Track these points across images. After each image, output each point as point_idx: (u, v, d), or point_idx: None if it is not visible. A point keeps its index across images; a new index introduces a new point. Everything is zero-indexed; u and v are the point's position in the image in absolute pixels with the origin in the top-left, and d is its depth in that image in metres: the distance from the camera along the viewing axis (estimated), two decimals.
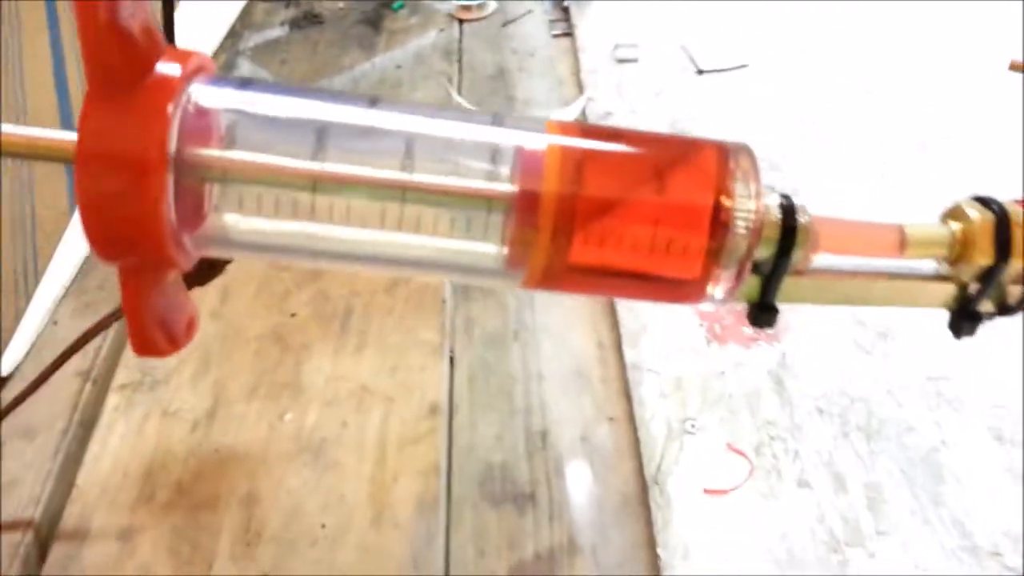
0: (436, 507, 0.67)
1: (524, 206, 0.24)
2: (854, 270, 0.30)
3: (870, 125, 1.03)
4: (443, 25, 1.33)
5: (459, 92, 1.17)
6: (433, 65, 1.23)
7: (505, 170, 0.24)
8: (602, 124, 1.06)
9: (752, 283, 0.28)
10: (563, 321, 0.83)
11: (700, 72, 1.14)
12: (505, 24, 1.32)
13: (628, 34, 1.23)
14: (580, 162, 0.25)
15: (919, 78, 1.10)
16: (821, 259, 0.30)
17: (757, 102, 1.08)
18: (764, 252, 0.27)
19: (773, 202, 0.28)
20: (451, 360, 0.80)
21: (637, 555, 0.64)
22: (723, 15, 1.25)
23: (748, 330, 0.79)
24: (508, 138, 0.25)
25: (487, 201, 0.24)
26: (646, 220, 0.25)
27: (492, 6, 1.35)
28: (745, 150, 0.26)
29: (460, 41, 1.30)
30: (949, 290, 0.29)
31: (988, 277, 0.28)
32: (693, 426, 0.71)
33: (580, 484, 0.69)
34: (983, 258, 0.28)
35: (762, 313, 0.28)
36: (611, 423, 0.73)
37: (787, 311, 0.83)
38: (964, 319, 0.30)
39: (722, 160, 0.26)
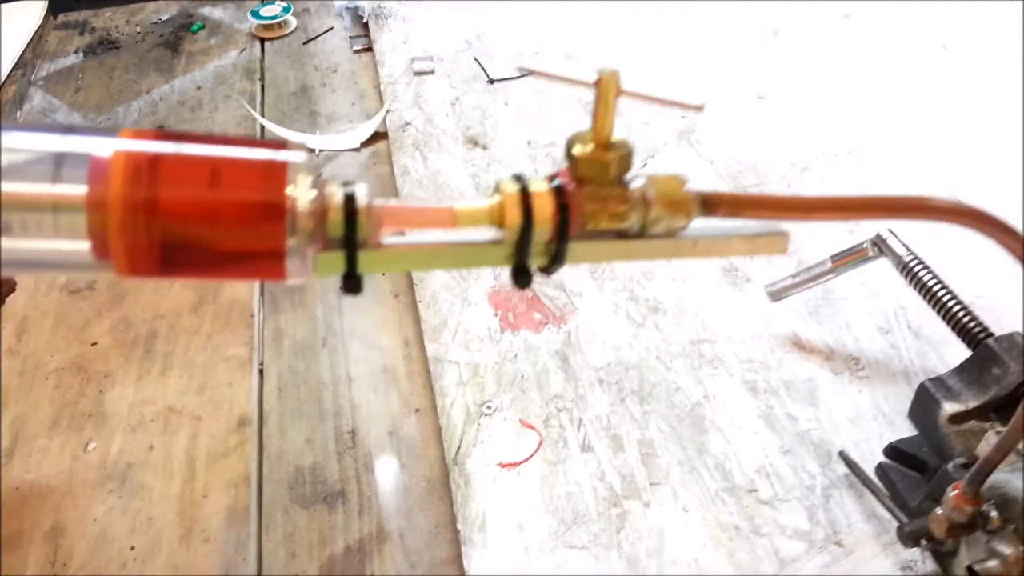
0: (246, 516, 0.69)
1: (94, 206, 0.28)
2: (423, 242, 0.36)
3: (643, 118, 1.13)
4: (244, 45, 1.34)
5: (262, 110, 1.19)
6: (234, 85, 1.24)
7: (78, 175, 0.29)
8: (399, 132, 1.11)
9: (338, 257, 0.34)
10: (371, 324, 0.87)
11: (491, 81, 1.21)
12: (306, 42, 1.34)
13: (424, 47, 1.29)
14: (146, 163, 0.29)
15: (680, 66, 1.22)
16: (410, 236, 0.36)
17: (544, 106, 1.16)
18: (336, 232, 0.33)
19: (336, 191, 0.33)
20: (260, 372, 0.82)
21: (442, 533, 0.69)
22: (512, 26, 1.33)
23: (538, 316, 0.86)
24: (82, 146, 0.29)
25: (69, 204, 0.28)
26: (214, 212, 0.29)
27: (293, 24, 1.37)
28: (302, 151, 0.32)
29: (262, 60, 1.31)
30: (505, 251, 0.36)
31: (523, 239, 0.35)
32: (489, 408, 0.76)
33: (388, 475, 0.73)
34: (514, 223, 0.35)
35: (348, 280, 0.35)
36: (417, 414, 0.78)
37: (574, 295, 0.91)
38: (520, 273, 0.37)
39: (282, 159, 0.32)
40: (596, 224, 0.37)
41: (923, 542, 0.60)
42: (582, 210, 0.37)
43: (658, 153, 1.08)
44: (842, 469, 0.71)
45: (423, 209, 0.36)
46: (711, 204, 0.38)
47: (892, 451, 0.70)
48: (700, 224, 0.39)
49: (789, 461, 0.73)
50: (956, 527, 0.52)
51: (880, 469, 0.70)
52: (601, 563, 0.65)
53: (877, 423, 0.75)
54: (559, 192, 0.36)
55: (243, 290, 0.89)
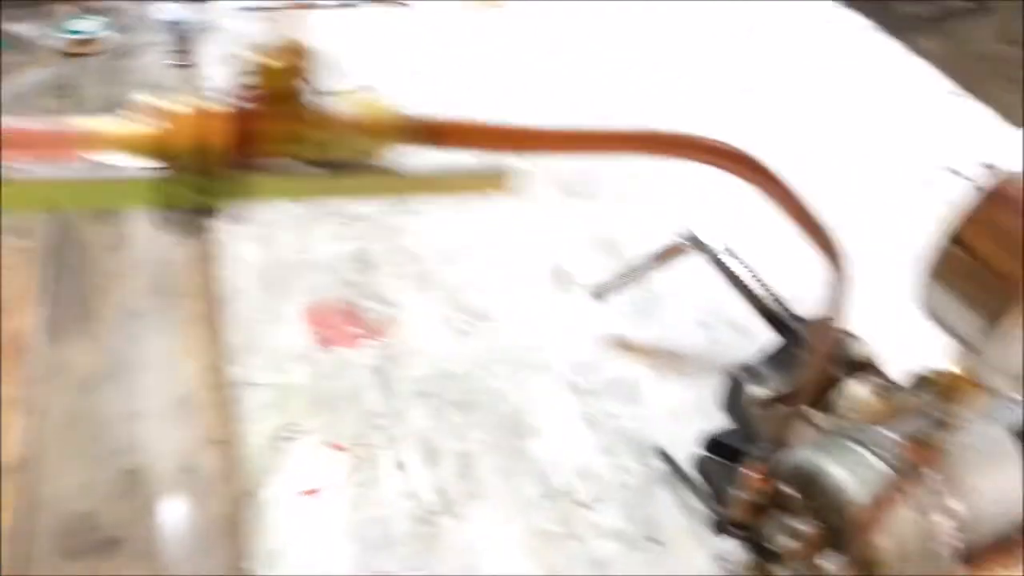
0: None
1: None
2: (52, 176, 0.31)
3: None
4: (52, 62, 1.24)
5: None
6: (37, 103, 1.14)
7: None
8: None
9: None
10: (170, 350, 0.80)
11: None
12: (120, 58, 1.26)
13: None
14: None
15: None
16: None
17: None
18: None
19: None
20: (33, 410, 0.74)
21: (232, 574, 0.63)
22: (342, 36, 1.29)
23: (356, 330, 0.81)
24: None
25: None
26: None
27: (108, 40, 1.28)
28: None
29: (72, 77, 1.22)
30: (166, 186, 0.31)
31: (191, 169, 0.30)
32: (296, 432, 0.71)
33: (176, 516, 0.66)
34: (179, 150, 0.30)
35: None
36: (216, 446, 0.72)
37: (395, 307, 0.87)
38: (188, 215, 0.32)
39: None
40: (285, 150, 0.32)
41: (735, 530, 0.59)
42: (267, 133, 0.31)
43: None
44: (660, 466, 0.70)
45: (44, 132, 0.30)
46: (436, 133, 0.34)
47: (710, 443, 0.69)
48: (423, 161, 0.35)
49: (608, 460, 0.70)
50: (754, 508, 0.50)
51: (698, 462, 0.68)
52: None
53: (698, 416, 0.74)
54: (238, 114, 0.31)
55: (24, 322, 0.81)
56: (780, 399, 0.64)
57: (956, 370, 0.33)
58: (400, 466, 0.69)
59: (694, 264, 0.88)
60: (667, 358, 0.80)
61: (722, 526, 0.60)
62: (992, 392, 0.33)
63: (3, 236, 0.87)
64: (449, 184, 0.35)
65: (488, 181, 0.35)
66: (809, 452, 0.50)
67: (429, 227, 0.95)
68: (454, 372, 0.77)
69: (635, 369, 0.79)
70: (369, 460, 0.69)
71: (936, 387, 0.34)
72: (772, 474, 0.50)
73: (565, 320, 0.83)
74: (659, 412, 0.75)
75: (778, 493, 0.50)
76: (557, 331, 0.82)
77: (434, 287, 0.87)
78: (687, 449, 0.70)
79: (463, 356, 0.79)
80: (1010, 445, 0.49)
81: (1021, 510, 0.49)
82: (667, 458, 0.69)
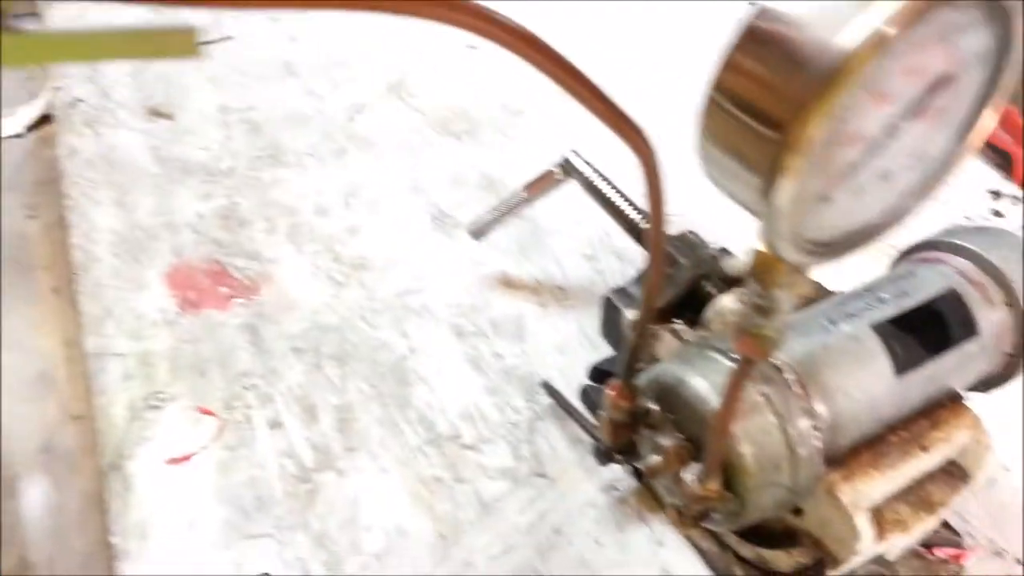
0: None
1: None
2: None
3: None
4: None
5: None
6: None
7: None
8: (67, 110, 0.97)
9: None
10: (24, 325, 0.74)
11: None
12: None
13: (103, 15, 1.14)
14: None
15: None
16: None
17: (242, 69, 1.06)
18: None
19: None
20: None
21: (100, 552, 0.59)
22: None
23: (226, 289, 0.77)
24: None
25: None
26: None
27: None
28: None
29: None
30: None
31: None
32: (160, 400, 0.67)
33: (35, 498, 0.62)
34: None
35: None
36: (77, 422, 0.67)
37: (268, 263, 0.83)
38: None
39: None
40: None
41: (617, 457, 0.58)
42: None
43: (366, 107, 1.01)
44: (549, 400, 0.68)
45: None
46: None
47: (594, 372, 0.68)
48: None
49: (495, 400, 0.69)
50: (619, 427, 0.49)
51: (583, 392, 0.67)
52: (286, 548, 0.58)
53: (583, 349, 0.73)
54: None
55: None
56: (651, 318, 0.63)
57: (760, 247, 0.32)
58: (275, 425, 0.66)
59: (577, 197, 0.87)
60: (552, 293, 0.78)
61: (603, 454, 0.59)
62: (792, 266, 0.31)
63: None
64: (126, 45, 0.29)
65: (172, 41, 0.29)
66: (668, 364, 0.49)
67: (303, 179, 0.90)
68: (330, 324, 0.74)
69: (520, 307, 0.77)
70: (241, 422, 0.66)
71: (752, 270, 0.33)
72: (623, 388, 0.48)
73: (446, 263, 0.81)
74: (545, 348, 0.73)
75: (642, 410, 0.49)
76: (438, 275, 0.80)
77: (309, 240, 0.83)
78: (575, 381, 0.69)
79: (339, 307, 0.76)
80: (874, 342, 0.49)
81: (888, 409, 0.49)
82: (551, 391, 0.67)
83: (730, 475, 0.44)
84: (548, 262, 0.82)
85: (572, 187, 0.86)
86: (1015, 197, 0.92)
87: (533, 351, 0.73)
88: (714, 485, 0.44)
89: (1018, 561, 0.58)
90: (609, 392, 0.49)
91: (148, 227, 0.83)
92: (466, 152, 0.95)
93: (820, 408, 0.46)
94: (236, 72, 1.06)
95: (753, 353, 0.35)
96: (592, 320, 0.75)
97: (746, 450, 0.44)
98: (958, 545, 0.58)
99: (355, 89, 1.04)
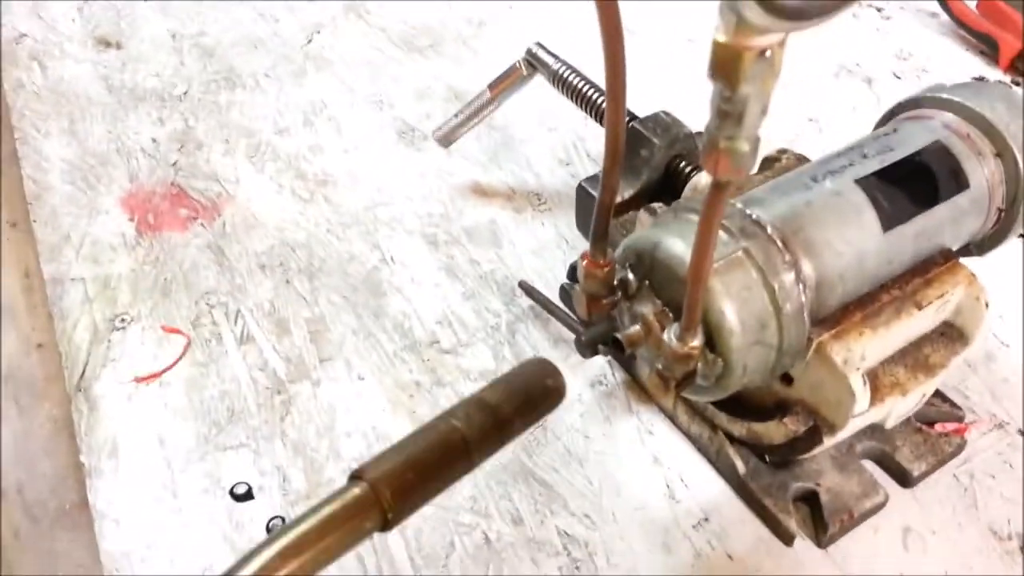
0: None
1: None
2: None
3: None
4: None
5: None
6: None
7: None
8: (13, 46, 0.92)
9: None
10: None
11: None
12: None
13: None
14: None
15: None
16: None
17: None
18: None
19: None
20: None
21: (72, 474, 0.56)
22: None
23: (185, 211, 0.74)
24: None
25: None
26: None
27: None
28: None
29: None
30: None
31: None
32: (123, 321, 0.64)
33: (5, 426, 0.59)
34: None
35: None
36: (39, 350, 0.64)
37: (228, 183, 0.80)
38: None
39: None
40: None
41: (601, 348, 0.56)
42: None
43: (324, 28, 0.97)
44: (527, 302, 0.66)
45: None
46: None
47: (572, 271, 0.66)
48: None
49: (472, 305, 0.66)
50: (594, 300, 0.47)
51: (562, 291, 0.65)
52: (262, 458, 0.56)
53: (561, 250, 0.71)
54: None
55: None
56: (632, 204, 0.61)
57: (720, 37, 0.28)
58: (245, 340, 0.63)
59: (549, 105, 0.84)
60: (527, 199, 0.76)
61: (586, 345, 0.57)
62: (759, 53, 0.28)
63: None
64: None
65: None
66: (643, 231, 0.47)
67: (260, 100, 0.86)
68: (298, 240, 0.71)
69: (494, 214, 0.74)
70: (209, 339, 0.63)
71: (715, 68, 0.29)
72: (597, 255, 0.46)
73: (415, 175, 0.78)
74: (522, 252, 0.71)
75: (619, 281, 0.47)
76: (407, 187, 0.77)
77: (270, 159, 0.79)
78: (553, 282, 0.67)
79: (305, 223, 0.73)
80: (858, 196, 0.47)
81: (877, 265, 0.47)
82: (528, 290, 0.65)
83: (714, 335, 0.43)
84: (521, 169, 0.79)
85: (542, 93, 0.83)
86: (1002, 83, 0.89)
87: (509, 256, 0.70)
88: (695, 341, 0.42)
89: (1020, 432, 0.56)
90: (582, 262, 0.47)
91: (101, 154, 0.79)
92: (430, 67, 0.91)
93: (804, 264, 0.44)
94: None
95: (724, 172, 0.32)
96: (569, 223, 0.72)
97: (727, 306, 0.42)
98: (959, 419, 0.56)
99: (311, 10, 1.00)
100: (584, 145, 0.81)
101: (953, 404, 0.57)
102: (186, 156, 0.79)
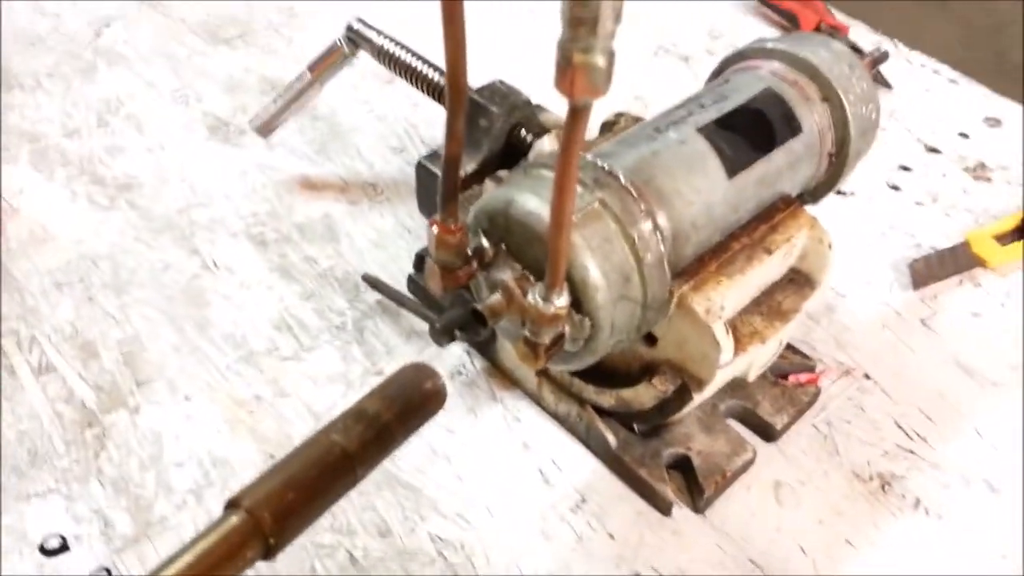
0: None
1: None
2: None
3: None
4: None
5: None
6: None
7: None
8: None
9: None
10: None
11: None
12: None
13: None
14: None
15: None
16: None
17: None
18: None
19: None
20: None
21: None
22: None
23: None
24: None
25: None
26: None
27: None
28: None
29: None
30: None
31: None
32: None
33: None
34: None
35: None
36: None
37: (11, 195, 0.68)
38: None
39: None
40: None
41: (459, 333, 0.52)
42: None
43: (115, 21, 0.87)
44: (373, 296, 0.61)
45: None
46: None
47: (419, 260, 0.61)
48: None
49: (312, 306, 0.61)
50: (449, 272, 0.43)
51: (411, 282, 0.61)
52: (76, 502, 0.48)
53: (404, 240, 0.67)
54: None
55: None
56: (475, 178, 0.57)
57: None
58: (44, 368, 0.54)
59: (376, 92, 0.79)
60: (361, 189, 0.71)
61: (441, 332, 0.53)
62: None
63: None
64: None
65: None
66: (493, 191, 0.43)
67: (43, 101, 0.76)
68: (99, 252, 0.62)
69: (327, 207, 0.69)
70: (2, 371, 0.53)
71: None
72: (448, 219, 0.42)
73: (233, 172, 0.71)
74: (362, 245, 0.66)
75: (474, 249, 0.43)
76: (226, 185, 0.70)
77: (59, 164, 0.70)
78: (399, 273, 0.63)
79: (107, 232, 0.64)
80: (702, 144, 0.46)
81: (725, 212, 0.46)
82: (373, 283, 0.60)
83: (579, 292, 0.40)
84: (353, 160, 0.74)
85: (366, 80, 0.79)
86: (820, 33, 0.94)
87: (348, 250, 0.65)
88: (562, 300, 0.39)
89: (866, 376, 0.58)
90: (432, 229, 0.42)
91: None
92: (239, 57, 0.84)
93: (659, 214, 0.43)
94: None
95: (581, 91, 0.29)
96: (410, 211, 0.68)
97: (589, 261, 0.40)
98: (811, 369, 0.57)
99: (98, 3, 0.89)
100: (417, 131, 0.77)
101: (803, 355, 0.58)
102: None
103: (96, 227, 0.64)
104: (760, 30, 0.97)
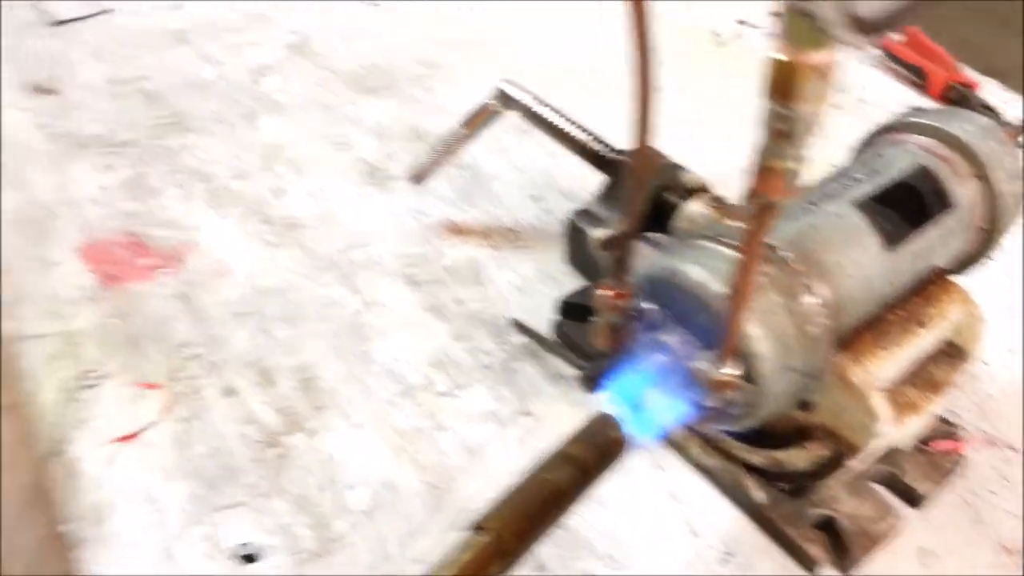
0: None
1: None
2: None
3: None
4: None
5: None
6: None
7: None
8: None
9: None
10: None
11: (60, 23, 1.00)
12: None
13: None
14: None
15: None
16: None
17: (127, 40, 0.98)
18: None
19: None
20: None
21: (52, 544, 0.52)
22: None
23: (147, 261, 0.70)
24: None
25: None
26: None
27: None
28: None
29: None
30: None
31: None
32: (93, 378, 0.60)
33: None
34: None
35: None
36: (6, 412, 0.59)
37: (190, 231, 0.76)
38: None
39: None
40: None
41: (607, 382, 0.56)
42: None
43: (271, 70, 0.95)
44: (519, 339, 0.65)
45: None
46: None
47: (563, 306, 0.66)
48: None
49: (464, 346, 0.65)
50: (614, 330, 0.47)
51: (556, 327, 0.65)
52: (263, 516, 0.53)
53: (545, 286, 0.71)
54: None
55: None
56: (621, 235, 0.61)
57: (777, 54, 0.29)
58: (229, 392, 0.60)
59: (515, 142, 0.84)
60: (503, 235, 0.75)
61: (591, 380, 0.57)
62: (819, 69, 0.29)
63: None
64: None
65: None
66: (657, 259, 0.47)
67: (213, 144, 0.84)
68: (272, 286, 0.69)
69: (472, 252, 0.74)
70: (189, 393, 0.59)
71: (771, 84, 0.30)
72: (619, 284, 0.46)
73: (387, 216, 0.77)
74: (505, 289, 0.70)
75: (638, 312, 0.47)
76: (380, 227, 0.75)
77: (231, 203, 0.77)
78: (542, 319, 0.67)
79: (279, 268, 0.70)
80: (859, 218, 0.48)
81: (882, 286, 0.49)
82: (522, 327, 0.64)
83: (745, 362, 0.43)
84: (494, 207, 0.79)
85: (507, 133, 0.84)
86: (967, 110, 0.95)
87: (494, 294, 0.70)
88: (732, 369, 0.42)
89: (1011, 448, 0.59)
90: (604, 293, 0.47)
91: (47, 204, 0.74)
92: (386, 107, 0.91)
93: (821, 287, 0.45)
94: (121, 44, 0.98)
95: (775, 191, 0.32)
96: (549, 258, 0.73)
97: (756, 331, 0.43)
98: (955, 437, 0.58)
99: (255, 53, 0.98)
100: (554, 181, 0.82)
101: (947, 422, 0.59)
102: (141, 204, 0.75)
103: (267, 264, 0.71)
104: (887, 84, 0.99)
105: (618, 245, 0.60)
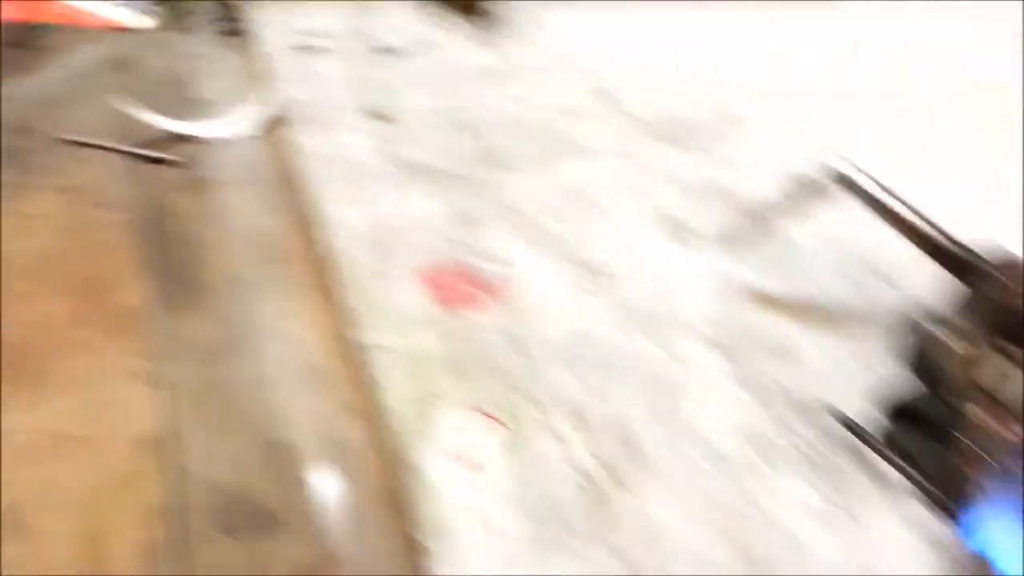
0: (161, 554, 0.56)
1: None
2: None
3: None
4: (106, 38, 1.18)
5: (132, 101, 1.04)
6: (100, 78, 1.08)
7: None
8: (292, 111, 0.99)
9: None
10: (285, 317, 0.75)
11: (388, 50, 1.11)
12: (174, 30, 1.19)
13: (308, 23, 1.16)
14: None
15: None
16: None
17: (452, 74, 1.07)
18: None
19: None
20: (162, 383, 0.68)
21: (402, 551, 0.58)
22: None
23: (474, 290, 0.76)
24: None
25: None
26: None
27: (154, 14, 1.22)
28: None
29: (129, 51, 1.15)
30: None
31: None
32: (439, 399, 0.66)
33: (329, 491, 0.61)
34: None
35: None
36: (356, 415, 0.67)
37: (507, 265, 0.81)
38: None
39: None
40: None
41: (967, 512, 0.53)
42: None
43: (573, 111, 1.00)
44: (835, 427, 0.64)
45: None
46: None
47: (896, 412, 0.63)
48: None
49: (774, 423, 0.65)
50: (983, 461, 0.45)
51: (888, 437, 0.62)
52: (587, 562, 0.56)
53: (860, 374, 0.68)
54: None
55: (131, 295, 0.75)
56: (994, 359, 0.58)
57: None
58: (557, 435, 0.64)
59: (828, 209, 0.83)
60: (815, 312, 0.75)
61: (951, 509, 0.54)
62: None
63: (95, 209, 0.82)
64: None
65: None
66: None
67: (525, 182, 0.89)
68: (585, 331, 0.72)
69: (777, 323, 0.73)
70: (522, 429, 0.64)
71: None
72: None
73: (688, 272, 0.78)
74: (816, 369, 0.69)
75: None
76: (683, 285, 0.77)
77: (544, 242, 0.81)
78: (854, 407, 0.65)
79: (594, 315, 0.74)
80: None
81: None
82: (850, 425, 0.63)
83: None
84: (803, 280, 0.78)
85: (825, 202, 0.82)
86: None
87: (803, 372, 0.69)
88: None
89: None
90: (997, 425, 0.45)
91: (390, 223, 0.83)
92: (687, 159, 0.92)
93: None
94: (443, 78, 1.06)
95: None
96: (867, 347, 0.70)
97: None
98: None
99: (560, 94, 1.03)
100: (868, 259, 0.79)
101: None
102: (467, 233, 0.82)
103: (580, 307, 0.74)
104: None
105: (986, 367, 0.58)
